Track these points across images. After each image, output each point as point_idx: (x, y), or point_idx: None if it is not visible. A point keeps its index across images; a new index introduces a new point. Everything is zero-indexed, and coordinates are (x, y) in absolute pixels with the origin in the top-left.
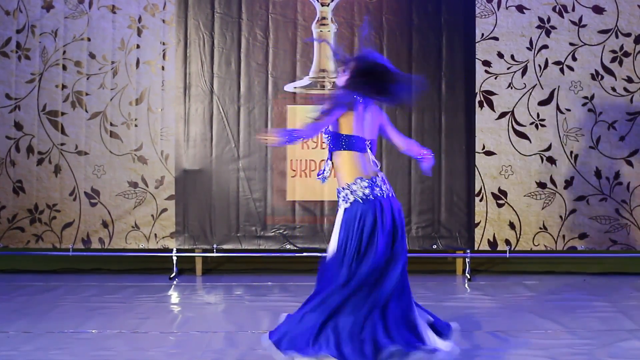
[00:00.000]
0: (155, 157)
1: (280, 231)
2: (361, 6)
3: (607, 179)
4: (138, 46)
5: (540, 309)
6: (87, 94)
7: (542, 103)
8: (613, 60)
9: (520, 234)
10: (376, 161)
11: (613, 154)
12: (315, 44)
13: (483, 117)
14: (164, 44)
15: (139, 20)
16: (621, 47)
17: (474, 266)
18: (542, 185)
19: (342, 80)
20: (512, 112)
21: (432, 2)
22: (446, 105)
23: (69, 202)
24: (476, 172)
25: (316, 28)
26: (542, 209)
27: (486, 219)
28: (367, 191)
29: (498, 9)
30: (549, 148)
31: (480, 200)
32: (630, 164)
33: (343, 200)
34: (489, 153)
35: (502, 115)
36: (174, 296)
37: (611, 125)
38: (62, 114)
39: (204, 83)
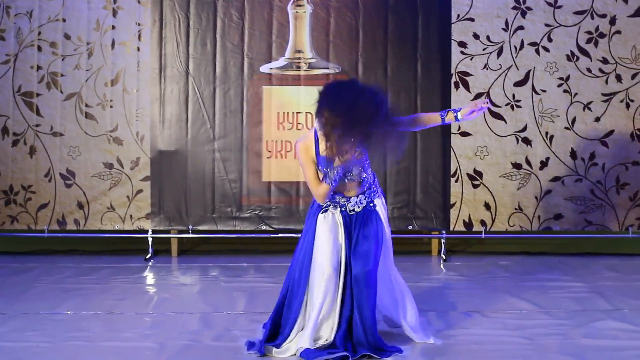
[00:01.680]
0: (131, 138)
1: (256, 212)
2: None
3: (582, 160)
4: (113, 27)
5: (515, 289)
6: (62, 75)
7: (517, 84)
8: (588, 41)
9: (495, 215)
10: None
11: (588, 134)
12: (291, 24)
13: (459, 98)
14: (139, 24)
15: (114, 1)
16: (596, 28)
17: (449, 247)
18: (517, 166)
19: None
20: (488, 92)
21: None
22: (422, 86)
23: (44, 184)
24: (452, 153)
25: (292, 9)
26: (518, 189)
27: (462, 199)
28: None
29: None
30: (524, 129)
31: (456, 181)
32: (605, 144)
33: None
34: (464, 134)
35: (478, 96)
36: (150, 277)
37: (586, 106)
38: (37, 95)
39: (179, 64)
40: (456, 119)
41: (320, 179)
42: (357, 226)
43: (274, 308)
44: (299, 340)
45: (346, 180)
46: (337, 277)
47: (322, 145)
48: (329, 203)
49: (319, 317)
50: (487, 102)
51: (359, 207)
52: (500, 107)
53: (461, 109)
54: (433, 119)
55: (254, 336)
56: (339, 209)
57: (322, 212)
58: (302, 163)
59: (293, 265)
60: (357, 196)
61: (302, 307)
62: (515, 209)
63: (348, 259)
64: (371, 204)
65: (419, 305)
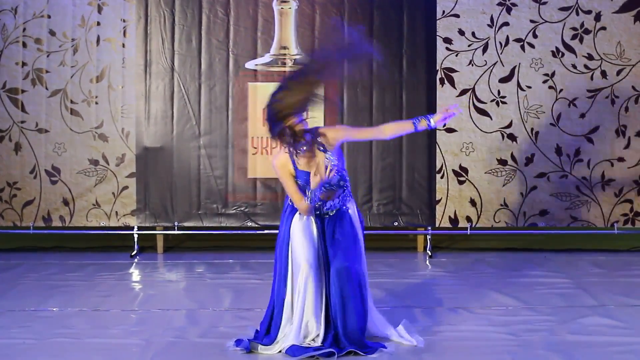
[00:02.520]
0: (116, 135)
1: (242, 209)
2: None
3: (567, 156)
4: (98, 23)
5: (500, 285)
6: (47, 72)
7: (502, 80)
8: (574, 37)
9: (481, 211)
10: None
11: (574, 131)
12: (276, 20)
13: (444, 94)
14: (124, 21)
15: None
16: (582, 25)
17: (435, 243)
18: (502, 162)
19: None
20: (473, 89)
21: None
22: (407, 83)
23: (29, 180)
24: (437, 149)
25: (277, 5)
26: (503, 185)
27: (447, 196)
28: None
29: None
30: (509, 125)
31: (441, 178)
32: (590, 141)
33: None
34: (449, 130)
35: (463, 92)
36: (135, 274)
37: (572, 103)
38: (22, 91)
39: (164, 60)
40: (429, 126)
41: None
42: (331, 227)
43: (266, 309)
44: (285, 339)
45: (325, 190)
46: (318, 274)
47: (300, 160)
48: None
49: (303, 314)
50: (457, 107)
51: (332, 211)
52: (485, 103)
53: (433, 115)
54: (406, 126)
55: (241, 333)
56: (314, 213)
57: (298, 213)
58: (281, 178)
59: (275, 266)
60: (332, 200)
61: (284, 307)
62: (501, 205)
63: (326, 257)
64: (344, 207)
65: (404, 302)
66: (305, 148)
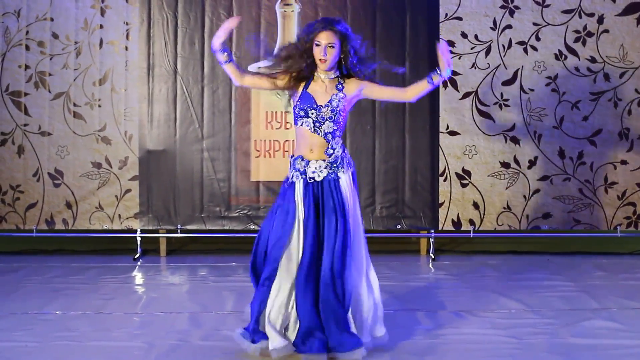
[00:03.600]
0: (119, 138)
1: (245, 211)
2: None
3: (570, 159)
4: (101, 26)
5: (503, 288)
6: (50, 75)
7: (505, 83)
8: (576, 40)
9: (484, 214)
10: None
11: (576, 133)
12: (279, 23)
13: (447, 97)
14: (127, 24)
15: (102, 0)
16: (584, 27)
17: (437, 246)
18: (505, 165)
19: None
20: (476, 92)
21: None
22: (410, 85)
23: (32, 183)
24: (440, 152)
25: (280, 8)
26: (506, 188)
27: (450, 198)
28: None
29: None
30: (512, 128)
31: (444, 180)
32: (593, 143)
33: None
34: (452, 133)
35: (466, 95)
36: (138, 277)
37: (575, 105)
38: (25, 94)
39: (167, 63)
40: (441, 76)
41: (297, 119)
42: (319, 201)
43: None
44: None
45: (312, 122)
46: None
47: (314, 85)
48: (292, 174)
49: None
50: (444, 44)
51: (318, 176)
52: (488, 106)
53: (438, 68)
54: (423, 85)
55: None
56: (300, 177)
57: (288, 185)
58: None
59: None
60: (317, 161)
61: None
62: (504, 208)
63: (313, 241)
64: (332, 175)
65: (407, 305)
66: (331, 70)
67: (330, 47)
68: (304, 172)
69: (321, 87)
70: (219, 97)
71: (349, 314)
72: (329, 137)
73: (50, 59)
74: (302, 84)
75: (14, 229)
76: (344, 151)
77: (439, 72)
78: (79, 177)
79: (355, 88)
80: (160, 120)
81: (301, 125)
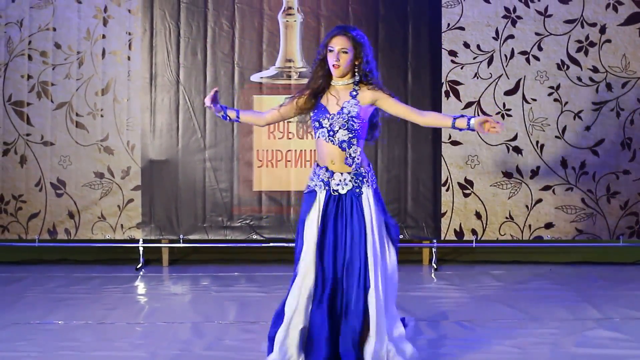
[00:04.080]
0: (121, 148)
1: (247, 221)
2: None
3: (572, 169)
4: (104, 36)
5: (506, 298)
6: (52, 84)
7: (508, 93)
8: (579, 50)
9: (486, 224)
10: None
11: (579, 143)
12: (281, 33)
13: (449, 107)
14: (129, 34)
15: (105, 10)
16: (587, 37)
17: (440, 256)
18: (508, 175)
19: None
20: (479, 101)
21: None
22: (412, 95)
23: (34, 193)
24: (442, 162)
25: (282, 18)
26: (508, 198)
27: (452, 208)
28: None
29: None
30: (515, 138)
31: (447, 190)
32: (596, 153)
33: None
34: (455, 143)
35: (469, 105)
36: (141, 287)
37: (577, 115)
38: (28, 104)
39: (170, 73)
40: (468, 126)
41: (315, 131)
42: (342, 216)
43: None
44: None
45: (330, 134)
46: (318, 276)
47: (328, 95)
48: (315, 183)
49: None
50: (502, 125)
51: (343, 189)
52: (491, 116)
53: (475, 117)
54: (444, 121)
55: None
56: (324, 188)
57: (308, 193)
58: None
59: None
60: (342, 174)
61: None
62: (506, 218)
63: (334, 260)
64: (357, 190)
65: (410, 314)
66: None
67: (343, 52)
68: (328, 184)
69: (334, 96)
70: None
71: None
72: (345, 145)
73: (53, 69)
74: (319, 96)
75: (17, 239)
76: (368, 165)
77: (468, 123)
78: (81, 187)
79: (369, 97)
80: (163, 130)
81: (318, 136)
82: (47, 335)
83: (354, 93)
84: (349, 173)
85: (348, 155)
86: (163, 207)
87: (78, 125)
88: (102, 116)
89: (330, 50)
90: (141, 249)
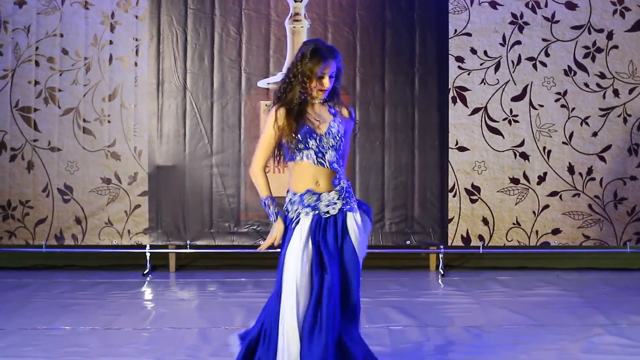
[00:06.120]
0: (129, 153)
1: (254, 227)
2: (334, 2)
3: (580, 175)
4: (111, 42)
5: (513, 304)
6: (59, 90)
7: (515, 99)
8: (586, 56)
9: (493, 230)
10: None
11: (586, 149)
12: (288, 39)
13: (456, 113)
14: (137, 40)
15: (112, 16)
16: (594, 43)
17: (447, 262)
18: (515, 180)
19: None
20: (485, 107)
21: None
22: (419, 101)
23: (42, 199)
24: (449, 168)
25: (289, 24)
26: (516, 204)
27: (459, 214)
28: None
29: (471, 5)
30: (522, 144)
31: (454, 196)
32: (603, 159)
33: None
34: (462, 149)
35: (475, 111)
36: (148, 292)
37: (584, 121)
38: (35, 110)
39: (177, 79)
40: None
41: (292, 152)
42: (332, 240)
43: (247, 339)
44: None
45: (320, 153)
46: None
47: (311, 110)
48: (299, 210)
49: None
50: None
51: (334, 209)
52: (497, 122)
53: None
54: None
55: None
56: (311, 213)
57: (295, 224)
58: (267, 129)
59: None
60: (329, 192)
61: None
62: (513, 223)
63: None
64: (347, 206)
65: (417, 320)
66: (326, 96)
67: (331, 77)
68: (316, 207)
69: (316, 115)
70: (228, 113)
71: None
72: (335, 165)
73: (60, 75)
74: (298, 117)
75: (24, 245)
76: (347, 179)
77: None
78: (88, 193)
79: (345, 113)
80: (170, 135)
81: (301, 159)
82: (54, 341)
83: (333, 110)
84: (336, 192)
85: (336, 176)
86: (170, 212)
87: (85, 131)
88: (109, 122)
89: (321, 77)
90: (148, 254)
